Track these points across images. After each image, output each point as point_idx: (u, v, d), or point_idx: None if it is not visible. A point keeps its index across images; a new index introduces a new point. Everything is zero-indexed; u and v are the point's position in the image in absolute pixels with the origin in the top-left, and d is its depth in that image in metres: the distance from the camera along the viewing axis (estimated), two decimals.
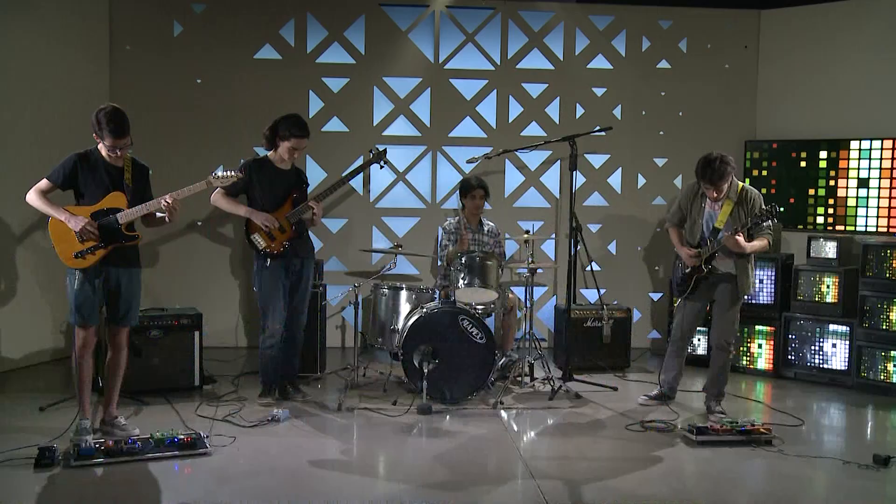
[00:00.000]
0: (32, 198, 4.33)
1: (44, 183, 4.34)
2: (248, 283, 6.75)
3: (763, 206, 4.84)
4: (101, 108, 4.27)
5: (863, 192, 6.53)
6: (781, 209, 4.64)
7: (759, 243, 4.93)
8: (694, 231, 5.12)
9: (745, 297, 5.14)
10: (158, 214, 4.46)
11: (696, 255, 5.06)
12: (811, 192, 6.78)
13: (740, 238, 4.80)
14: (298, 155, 5.17)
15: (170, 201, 4.39)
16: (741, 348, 6.35)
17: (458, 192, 6.36)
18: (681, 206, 5.22)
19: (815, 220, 6.77)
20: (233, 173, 4.63)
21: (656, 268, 7.29)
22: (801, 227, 6.79)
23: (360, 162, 6.84)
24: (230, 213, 5.29)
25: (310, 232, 5.42)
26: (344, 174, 5.54)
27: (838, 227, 6.63)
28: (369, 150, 5.77)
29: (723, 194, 4.92)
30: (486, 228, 6.23)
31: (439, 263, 6.24)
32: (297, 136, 5.05)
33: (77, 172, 4.32)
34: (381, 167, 5.78)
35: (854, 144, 6.55)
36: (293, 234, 5.12)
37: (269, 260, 5.08)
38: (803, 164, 6.81)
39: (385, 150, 5.68)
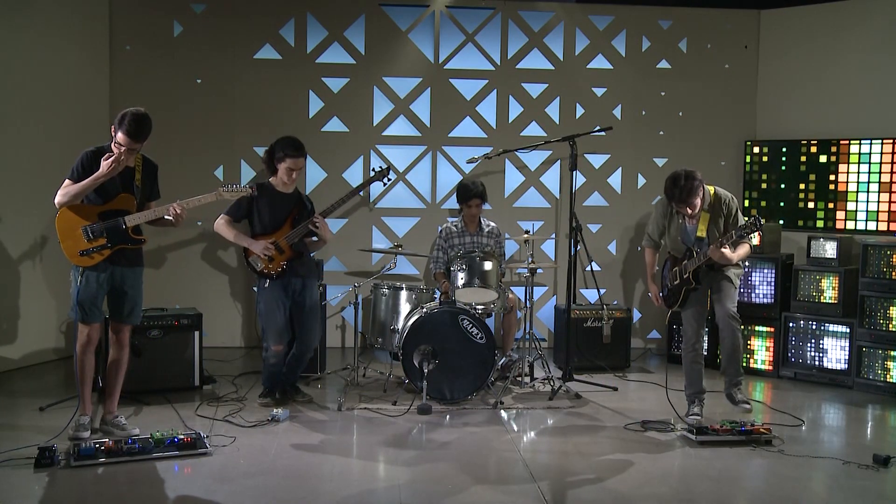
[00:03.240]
0: (61, 195, 4.30)
1: (67, 183, 4.34)
2: (248, 283, 6.76)
3: (747, 218, 4.70)
4: (132, 108, 4.31)
5: (863, 191, 6.54)
6: (763, 220, 4.58)
7: (743, 251, 4.83)
8: (676, 246, 5.04)
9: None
10: (166, 217, 4.47)
11: (678, 281, 4.96)
12: (811, 191, 6.79)
13: (726, 251, 4.71)
14: (297, 175, 5.17)
15: (178, 210, 4.41)
16: None
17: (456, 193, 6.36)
18: (658, 225, 5.12)
19: (815, 219, 6.77)
20: (243, 187, 4.68)
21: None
22: (801, 224, 6.80)
23: (360, 161, 7.00)
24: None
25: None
26: (349, 191, 5.73)
27: (838, 227, 6.63)
28: (372, 168, 6.09)
29: (697, 209, 4.82)
30: (486, 229, 6.22)
31: (434, 272, 6.23)
32: (292, 157, 5.06)
33: (91, 168, 4.32)
34: (385, 184, 6.45)
35: (854, 143, 6.56)
36: (292, 255, 5.12)
37: (267, 281, 5.09)
38: (803, 160, 6.82)
39: (388, 169, 6.00)
